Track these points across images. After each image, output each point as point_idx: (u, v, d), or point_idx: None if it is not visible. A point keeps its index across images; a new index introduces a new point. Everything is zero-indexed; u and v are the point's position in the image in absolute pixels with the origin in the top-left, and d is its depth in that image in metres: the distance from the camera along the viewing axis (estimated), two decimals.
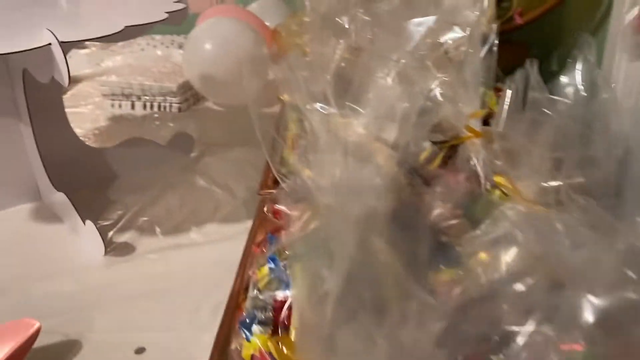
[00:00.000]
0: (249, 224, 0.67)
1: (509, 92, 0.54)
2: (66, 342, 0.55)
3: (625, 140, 0.52)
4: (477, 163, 0.61)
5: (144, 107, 1.16)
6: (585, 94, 0.54)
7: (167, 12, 0.69)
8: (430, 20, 0.64)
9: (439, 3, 0.71)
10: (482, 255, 0.53)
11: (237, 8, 1.39)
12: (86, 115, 1.15)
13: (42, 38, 0.57)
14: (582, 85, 0.55)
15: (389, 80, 0.55)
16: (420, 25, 0.64)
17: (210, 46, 1.08)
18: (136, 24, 0.63)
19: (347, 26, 0.73)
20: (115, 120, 1.13)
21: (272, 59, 1.22)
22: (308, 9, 0.94)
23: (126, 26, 0.62)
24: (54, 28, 0.58)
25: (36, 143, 0.75)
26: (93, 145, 0.93)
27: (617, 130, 0.52)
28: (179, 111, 1.15)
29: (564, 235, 0.44)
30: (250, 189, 0.82)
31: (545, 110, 0.54)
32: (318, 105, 0.51)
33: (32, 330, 0.52)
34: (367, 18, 0.66)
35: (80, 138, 0.88)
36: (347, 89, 0.55)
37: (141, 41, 1.58)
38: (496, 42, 0.63)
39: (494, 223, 0.54)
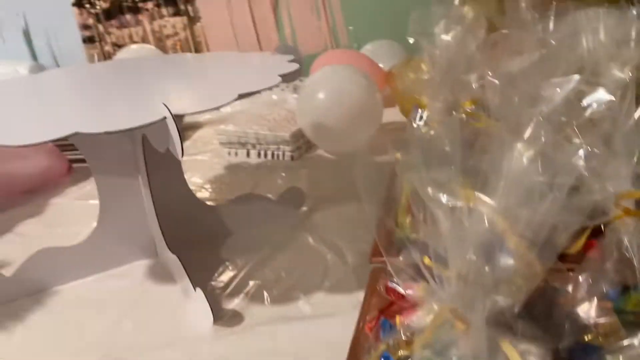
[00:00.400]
0: (359, 295, 0.62)
1: None
2: None
3: None
4: (630, 247, 0.51)
5: (259, 155, 1.17)
6: None
7: (280, 75, 0.67)
8: (572, 79, 0.57)
9: (579, 58, 0.62)
10: None
11: (350, 53, 1.38)
12: (205, 162, 1.19)
13: (159, 112, 0.57)
14: None
15: (524, 158, 0.48)
16: (559, 86, 0.57)
17: (324, 95, 1.07)
18: (249, 91, 0.62)
19: (473, 86, 0.67)
20: (231, 169, 1.14)
21: (385, 101, 1.18)
22: (427, 58, 0.89)
23: (239, 94, 0.61)
24: (171, 101, 0.58)
25: (153, 201, 0.76)
26: (208, 201, 0.93)
27: None
28: (292, 159, 1.14)
29: None
30: (362, 253, 0.78)
31: None
32: (442, 195, 0.45)
33: None
34: (495, 81, 0.60)
35: (196, 192, 0.89)
36: (475, 168, 0.49)
37: None
38: None
39: None
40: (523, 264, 0.47)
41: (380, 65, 1.35)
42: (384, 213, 0.79)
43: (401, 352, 0.49)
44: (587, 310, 0.50)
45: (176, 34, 1.77)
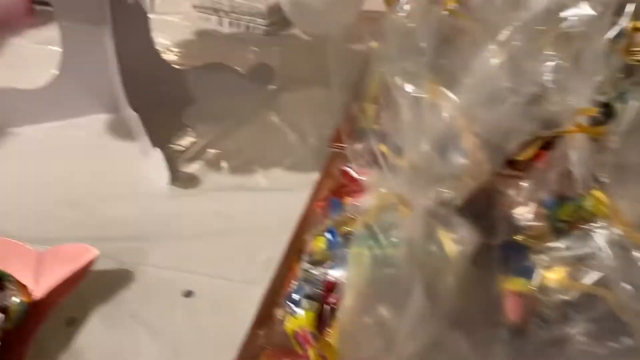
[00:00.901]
0: (315, 176, 0.65)
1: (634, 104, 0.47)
2: (119, 270, 0.57)
3: None
4: (576, 162, 0.55)
5: (231, 24, 1.14)
6: None
7: None
8: None
9: None
10: (559, 272, 0.49)
11: None
12: (174, 24, 1.14)
13: None
14: None
15: (496, 60, 0.49)
16: None
17: None
18: None
19: None
20: (201, 35, 1.11)
21: None
22: None
23: None
24: None
25: (117, 54, 0.75)
26: (174, 64, 0.91)
27: None
28: (266, 34, 1.12)
29: None
30: (323, 137, 0.79)
31: None
32: (409, 86, 0.46)
33: (90, 257, 0.53)
34: None
35: (162, 53, 0.87)
36: (446, 65, 0.50)
37: None
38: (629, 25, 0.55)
39: (581, 239, 0.50)
40: (473, 162, 0.50)
41: None
42: (351, 101, 0.79)
43: (345, 228, 0.53)
44: (523, 214, 0.53)
45: None
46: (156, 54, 0.84)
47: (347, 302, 0.43)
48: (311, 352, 0.44)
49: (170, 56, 1.00)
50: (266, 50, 1.07)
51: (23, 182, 0.70)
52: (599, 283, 0.46)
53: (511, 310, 0.47)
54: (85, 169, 0.72)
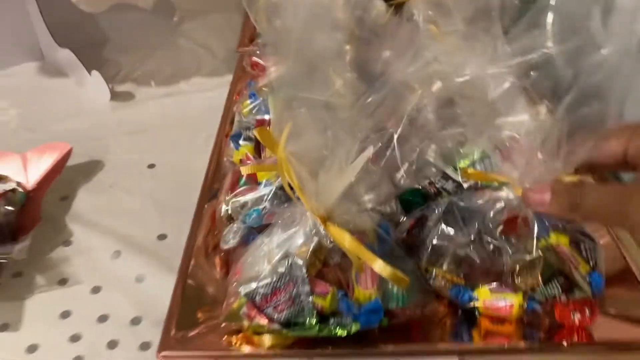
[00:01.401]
0: (229, 78, 0.82)
1: None
2: (90, 161, 0.71)
3: None
4: (418, 17, 0.75)
5: None
6: None
7: None
8: None
9: None
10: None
11: None
12: None
13: None
14: None
15: None
16: None
17: None
18: None
19: None
20: None
21: None
22: None
23: None
24: None
25: (38, 6, 0.87)
26: (84, 8, 1.03)
27: None
28: None
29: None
30: (230, 50, 0.96)
31: None
32: None
33: (66, 150, 0.68)
34: None
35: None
36: None
37: None
38: None
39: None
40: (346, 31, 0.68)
41: None
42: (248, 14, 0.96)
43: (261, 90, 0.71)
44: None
45: None
46: (71, 3, 0.95)
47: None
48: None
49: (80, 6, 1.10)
50: None
51: None
52: None
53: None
54: (32, 105, 0.84)
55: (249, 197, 0.54)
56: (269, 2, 0.80)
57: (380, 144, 0.57)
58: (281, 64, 0.70)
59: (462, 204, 0.46)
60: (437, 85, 0.65)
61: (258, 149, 0.65)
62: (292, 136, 0.46)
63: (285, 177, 0.43)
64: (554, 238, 0.43)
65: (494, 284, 0.44)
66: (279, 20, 0.70)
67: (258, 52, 0.80)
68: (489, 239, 0.44)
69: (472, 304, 0.44)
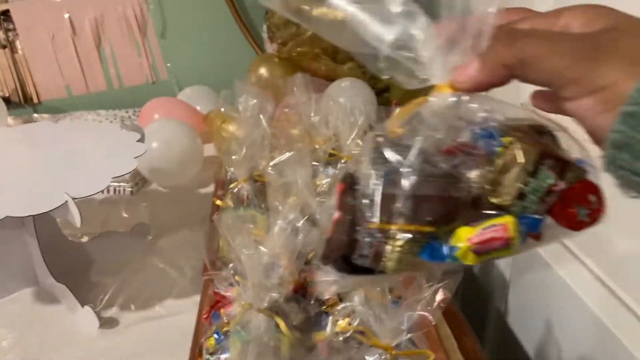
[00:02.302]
0: (197, 297, 1.04)
1: None
2: None
3: None
4: None
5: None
6: None
7: (137, 157, 1.04)
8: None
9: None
10: (344, 322, 0.92)
11: (173, 100, 1.74)
12: None
13: (60, 198, 0.91)
14: None
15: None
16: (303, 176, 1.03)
17: (156, 144, 1.43)
18: (120, 174, 0.99)
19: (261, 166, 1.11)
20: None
21: (204, 138, 1.58)
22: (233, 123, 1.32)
23: (113, 177, 0.97)
24: (64, 186, 0.92)
25: (39, 245, 1.08)
26: (72, 236, 1.26)
27: None
28: (132, 194, 1.49)
29: None
30: (196, 267, 1.18)
31: None
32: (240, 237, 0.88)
33: None
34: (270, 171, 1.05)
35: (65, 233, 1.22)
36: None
37: (88, 116, 1.90)
38: None
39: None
40: (288, 275, 0.93)
41: (198, 108, 1.74)
42: (210, 237, 1.21)
43: (224, 329, 0.92)
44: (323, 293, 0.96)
45: None
46: (63, 236, 1.18)
47: None
48: None
49: (66, 231, 1.33)
50: (136, 207, 1.44)
51: None
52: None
53: (321, 350, 0.89)
54: (30, 333, 1.03)
55: None
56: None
57: None
58: (237, 306, 0.93)
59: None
60: None
61: None
62: None
63: None
64: (507, 140, 0.35)
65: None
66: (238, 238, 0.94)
67: (221, 281, 1.03)
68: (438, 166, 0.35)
69: (454, 254, 0.35)
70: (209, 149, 1.60)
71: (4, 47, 1.92)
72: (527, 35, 0.32)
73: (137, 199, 1.48)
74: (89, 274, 1.18)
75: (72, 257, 1.17)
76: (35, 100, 2.01)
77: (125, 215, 1.40)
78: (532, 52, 0.31)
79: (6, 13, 1.89)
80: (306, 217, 0.96)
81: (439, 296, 0.83)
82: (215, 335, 0.92)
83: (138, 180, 1.51)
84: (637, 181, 0.31)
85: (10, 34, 1.91)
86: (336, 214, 0.37)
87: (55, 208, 0.89)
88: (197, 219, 1.36)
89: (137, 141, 1.12)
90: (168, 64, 2.04)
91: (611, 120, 0.30)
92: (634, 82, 0.29)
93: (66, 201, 0.90)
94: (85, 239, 1.26)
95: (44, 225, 1.10)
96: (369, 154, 0.36)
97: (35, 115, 1.94)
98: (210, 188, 1.52)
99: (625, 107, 0.29)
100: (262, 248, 0.91)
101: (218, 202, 1.23)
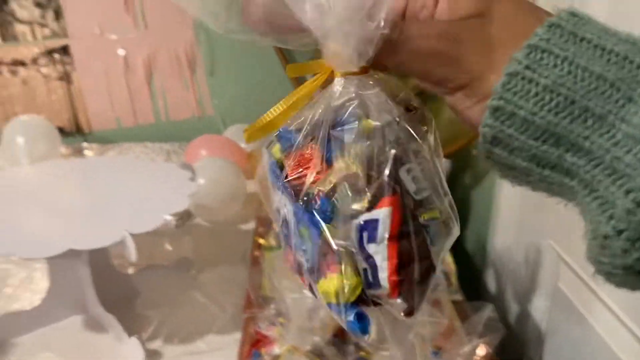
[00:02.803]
0: (238, 334, 1.08)
1: None
2: None
3: None
4: None
5: None
6: None
7: (190, 195, 1.10)
8: None
9: None
10: None
11: (218, 138, 1.82)
12: None
13: (118, 233, 0.97)
14: None
15: None
16: None
17: (203, 181, 1.50)
18: (175, 211, 1.04)
19: None
20: None
21: (247, 174, 1.64)
22: None
23: (170, 215, 1.03)
24: (123, 221, 0.98)
25: (90, 276, 1.15)
26: (121, 269, 1.32)
27: None
28: (176, 227, 1.55)
29: None
30: (236, 304, 1.23)
31: None
32: (293, 294, 0.92)
33: None
34: None
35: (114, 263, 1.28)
36: None
37: (136, 148, 1.99)
38: None
39: None
40: (330, 319, 0.96)
41: (242, 145, 1.81)
42: (252, 275, 1.25)
43: None
44: None
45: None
46: (112, 266, 1.24)
47: None
48: None
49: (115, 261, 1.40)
50: (179, 240, 1.50)
51: None
52: None
53: None
54: (78, 359, 1.08)
55: None
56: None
57: None
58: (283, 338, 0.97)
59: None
60: None
61: None
62: None
63: None
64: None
65: None
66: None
67: (263, 320, 1.07)
68: None
69: None
70: (250, 185, 1.66)
71: (61, 79, 2.04)
72: (398, 42, 0.31)
73: (181, 232, 1.54)
74: (135, 305, 1.23)
75: (119, 288, 1.23)
76: (86, 130, 2.11)
77: (169, 248, 1.46)
78: (399, 60, 0.31)
79: (65, 48, 2.01)
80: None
81: (480, 351, 0.86)
82: None
83: (183, 214, 1.58)
84: (514, 174, 0.31)
85: (67, 67, 2.03)
86: None
87: (114, 243, 0.95)
88: (238, 254, 1.41)
89: (189, 179, 1.19)
90: (215, 101, 2.13)
91: (481, 113, 0.30)
92: (497, 73, 0.29)
93: (124, 236, 0.96)
94: (131, 271, 1.32)
95: (97, 256, 1.16)
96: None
97: (85, 144, 2.04)
98: (251, 224, 1.57)
99: (491, 102, 0.29)
100: (306, 292, 0.95)
101: (261, 240, 1.28)
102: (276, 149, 0.38)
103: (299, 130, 0.35)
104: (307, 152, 0.35)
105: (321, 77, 0.36)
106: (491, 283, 1.56)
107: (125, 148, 1.98)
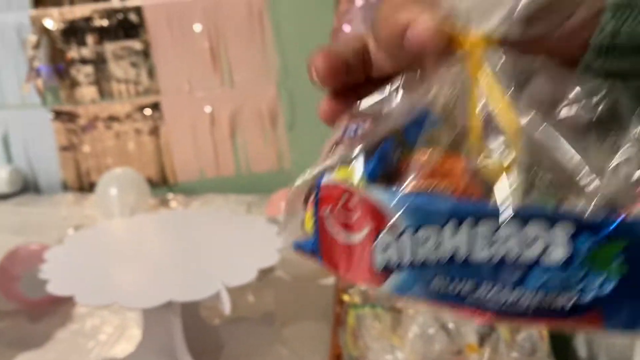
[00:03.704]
0: None
1: None
2: None
3: None
4: None
5: None
6: None
7: (280, 250, 1.13)
8: None
9: None
10: None
11: None
12: None
13: (214, 286, 1.00)
14: None
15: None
16: None
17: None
18: (266, 266, 1.07)
19: None
20: None
21: None
22: None
23: (259, 270, 1.05)
24: (218, 274, 1.01)
25: (182, 328, 1.18)
26: (208, 321, 1.35)
27: None
28: (259, 280, 1.58)
29: None
30: None
31: None
32: (386, 355, 0.91)
33: None
34: None
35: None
36: None
37: (218, 199, 2.06)
38: None
39: None
40: None
41: None
42: (334, 332, 1.25)
43: None
44: None
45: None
46: (201, 318, 1.27)
47: None
48: None
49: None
50: (261, 292, 1.52)
51: None
52: None
53: None
54: None
55: None
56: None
57: None
58: None
59: None
60: None
61: None
62: None
63: None
64: None
65: None
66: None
67: None
68: None
69: None
70: None
71: (151, 133, 2.16)
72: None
73: (263, 284, 1.57)
74: (220, 356, 1.25)
75: (207, 339, 1.25)
76: (171, 181, 2.21)
77: (252, 300, 1.48)
78: None
79: (156, 104, 2.13)
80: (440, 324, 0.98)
81: None
82: None
83: (266, 267, 1.60)
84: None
85: (158, 122, 2.15)
86: None
87: (211, 295, 0.98)
88: (319, 309, 1.42)
89: (276, 234, 1.21)
90: (294, 155, 2.19)
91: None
92: None
93: (220, 289, 0.99)
94: (217, 322, 1.35)
95: (188, 307, 1.20)
96: None
97: (171, 195, 2.13)
98: (331, 279, 1.57)
99: None
100: (400, 353, 0.94)
101: (345, 296, 1.28)
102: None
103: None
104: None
105: None
106: (581, 349, 1.48)
107: (208, 199, 2.06)
